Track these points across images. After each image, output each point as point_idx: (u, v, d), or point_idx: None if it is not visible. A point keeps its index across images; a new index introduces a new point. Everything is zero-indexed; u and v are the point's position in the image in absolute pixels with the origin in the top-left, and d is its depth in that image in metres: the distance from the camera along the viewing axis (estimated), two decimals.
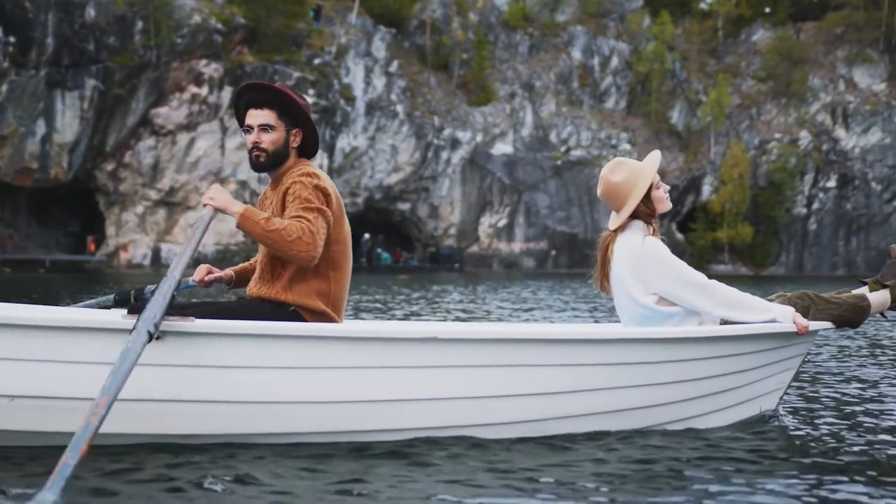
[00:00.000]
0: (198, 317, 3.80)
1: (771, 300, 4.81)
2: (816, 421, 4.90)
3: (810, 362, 7.24)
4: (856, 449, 4.20)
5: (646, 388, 4.39)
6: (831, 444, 4.31)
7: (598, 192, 4.74)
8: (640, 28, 60.36)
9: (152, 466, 3.55)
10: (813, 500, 3.36)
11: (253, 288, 4.30)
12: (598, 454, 3.98)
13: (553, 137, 55.35)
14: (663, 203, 4.65)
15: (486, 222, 52.95)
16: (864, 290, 4.98)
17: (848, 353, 8.22)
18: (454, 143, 50.39)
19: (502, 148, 53.44)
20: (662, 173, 55.38)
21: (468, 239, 52.22)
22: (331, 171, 44.73)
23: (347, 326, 4.20)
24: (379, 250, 49.50)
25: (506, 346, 4.13)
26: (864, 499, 3.38)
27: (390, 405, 3.97)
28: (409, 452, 3.85)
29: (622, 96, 58.34)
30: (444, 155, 50.17)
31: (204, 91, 41.26)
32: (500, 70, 55.77)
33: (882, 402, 5.61)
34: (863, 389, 6.11)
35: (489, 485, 3.41)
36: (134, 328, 3.47)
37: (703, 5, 67.85)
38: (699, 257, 56.22)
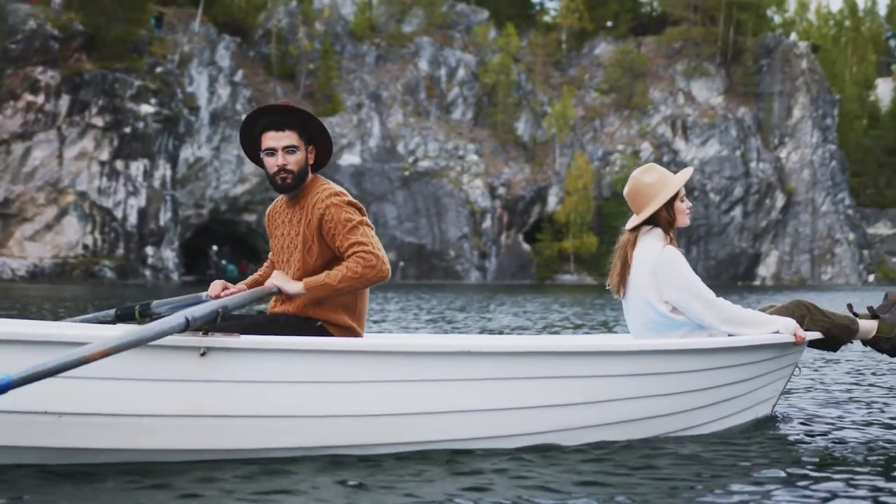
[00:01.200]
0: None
1: (763, 311, 5.16)
2: (809, 425, 5.30)
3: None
4: (849, 449, 4.61)
5: (657, 398, 4.67)
6: (825, 446, 4.69)
7: (626, 190, 5.08)
8: (485, 40, 62.88)
9: (195, 481, 3.69)
10: (813, 499, 3.62)
11: (277, 305, 4.49)
12: (615, 462, 4.23)
13: (401, 148, 57.19)
14: (683, 216, 4.96)
15: None
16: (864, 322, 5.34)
17: (830, 357, 8.74)
18: None
19: (350, 159, 54.92)
20: (509, 184, 58.01)
21: None
22: (174, 182, 45.31)
23: (393, 341, 4.55)
24: (224, 262, 50.12)
25: (534, 358, 4.38)
26: (862, 494, 3.69)
27: (428, 417, 4.20)
28: (446, 462, 4.11)
29: (469, 107, 60.72)
30: None
31: (40, 99, 41.39)
32: (347, 80, 57.29)
33: (868, 405, 6.11)
34: (849, 392, 6.64)
35: (505, 494, 3.63)
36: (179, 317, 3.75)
37: (547, 18, 71.73)
38: (545, 267, 59.14)
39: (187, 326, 3.71)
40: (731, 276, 64.20)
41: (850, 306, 5.48)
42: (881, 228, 75.71)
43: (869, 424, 5.30)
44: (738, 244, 64.88)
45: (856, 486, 3.80)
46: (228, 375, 3.88)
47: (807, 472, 4.05)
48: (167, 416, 3.81)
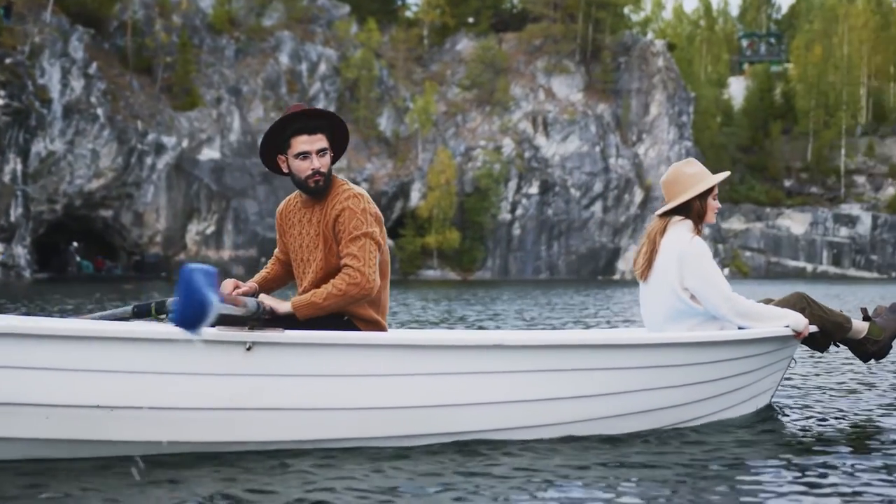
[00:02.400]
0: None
1: (766, 304, 5.49)
2: (804, 414, 5.67)
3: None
4: (845, 436, 4.96)
5: (669, 389, 4.95)
6: (823, 433, 5.04)
7: (664, 178, 5.46)
8: (347, 35, 63.61)
9: (238, 471, 3.95)
10: (814, 485, 3.85)
11: None
12: (623, 453, 4.48)
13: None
14: (712, 213, 5.37)
15: (194, 229, 54.27)
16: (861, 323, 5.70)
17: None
18: (159, 149, 51.65)
19: (209, 153, 55.06)
20: (371, 179, 59.28)
21: (175, 247, 53.38)
22: (25, 177, 45.25)
23: (429, 336, 4.78)
24: (78, 259, 49.98)
25: (560, 351, 4.63)
26: (860, 480, 3.93)
27: (463, 409, 4.48)
28: (475, 453, 4.37)
29: (331, 102, 61.40)
30: (149, 160, 51.24)
31: None
32: (206, 74, 57.48)
33: (858, 392, 6.56)
34: (841, 382, 7.04)
35: (520, 485, 3.86)
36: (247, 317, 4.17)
37: (409, 14, 72.91)
38: (409, 263, 60.35)
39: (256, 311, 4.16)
40: (591, 271, 66.31)
41: (864, 310, 5.83)
42: (735, 223, 79.31)
43: (859, 412, 5.70)
44: (599, 239, 67.06)
45: (852, 473, 4.07)
46: (274, 369, 4.14)
47: (806, 459, 4.33)
48: (215, 409, 4.08)
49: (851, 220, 79.33)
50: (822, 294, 30.86)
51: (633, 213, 68.31)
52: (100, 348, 3.88)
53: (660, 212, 5.42)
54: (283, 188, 56.34)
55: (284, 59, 60.73)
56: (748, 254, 78.33)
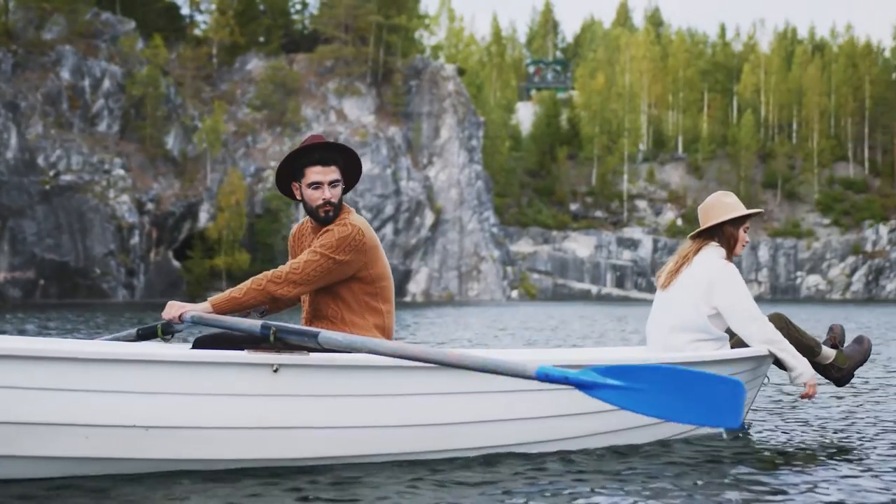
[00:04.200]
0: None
1: None
2: (778, 429, 6.21)
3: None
4: (814, 448, 5.44)
5: None
6: (793, 446, 5.54)
7: (703, 204, 6.02)
8: (132, 51, 63.02)
9: (259, 486, 4.25)
10: (786, 494, 4.20)
11: (309, 325, 4.95)
12: (611, 468, 4.83)
13: (41, 161, 56.50)
14: (741, 244, 5.97)
15: None
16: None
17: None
18: None
19: None
20: (158, 199, 59.29)
21: None
22: None
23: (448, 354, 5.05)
24: None
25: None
26: (829, 486, 4.34)
27: (480, 426, 4.81)
28: (489, 467, 4.70)
29: (115, 120, 60.81)
30: None
31: None
32: None
33: (824, 406, 7.16)
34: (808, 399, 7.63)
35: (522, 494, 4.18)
36: (319, 341, 4.39)
37: (197, 32, 72.41)
38: (196, 285, 60.31)
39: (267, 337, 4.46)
40: None
41: (832, 338, 6.32)
42: (523, 246, 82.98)
43: (826, 426, 6.32)
44: (390, 261, 67.92)
45: (822, 481, 4.48)
46: (300, 390, 4.45)
47: (779, 471, 4.78)
48: (244, 428, 4.39)
49: (633, 244, 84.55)
50: (606, 315, 33.74)
51: (423, 236, 70.30)
52: (137, 371, 4.19)
53: (694, 234, 6.03)
54: (62, 208, 55.54)
55: (66, 74, 59.74)
56: (536, 276, 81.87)
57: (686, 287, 5.85)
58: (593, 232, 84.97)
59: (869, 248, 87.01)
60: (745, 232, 6.00)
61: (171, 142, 63.43)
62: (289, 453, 4.52)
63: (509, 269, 75.64)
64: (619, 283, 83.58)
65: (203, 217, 62.30)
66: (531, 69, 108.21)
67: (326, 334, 4.38)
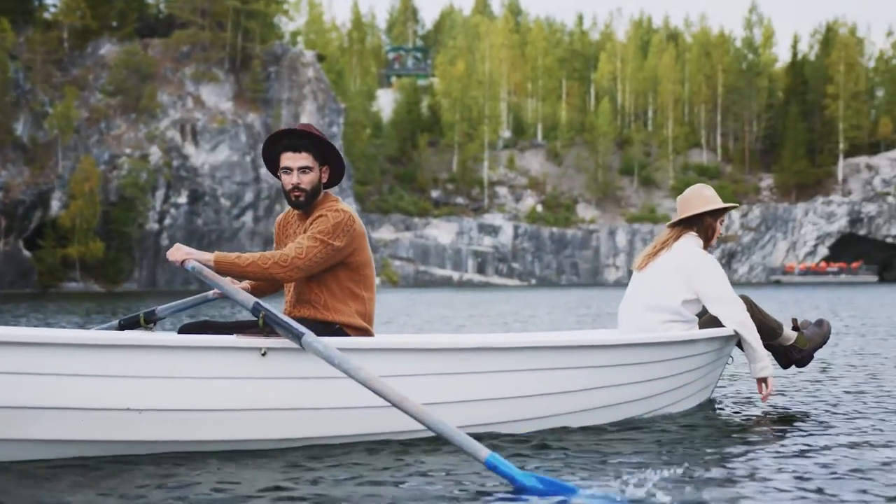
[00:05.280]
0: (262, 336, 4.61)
1: None
2: (740, 405, 6.50)
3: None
4: (776, 423, 5.71)
5: (634, 385, 5.69)
6: (757, 422, 5.79)
7: (682, 195, 6.36)
8: None
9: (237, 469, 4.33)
10: (753, 467, 4.41)
11: (292, 311, 5.12)
12: (592, 444, 5.01)
13: None
14: (717, 234, 6.34)
15: None
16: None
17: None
18: None
19: None
20: (7, 187, 58.32)
21: None
22: None
23: (425, 339, 5.26)
24: None
25: (542, 352, 5.27)
26: (791, 459, 4.57)
27: (453, 406, 4.98)
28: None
29: None
30: None
31: None
32: None
33: (785, 384, 7.45)
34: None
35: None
36: (302, 344, 4.45)
37: (47, 15, 70.96)
38: (49, 275, 59.60)
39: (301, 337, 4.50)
40: None
41: (794, 320, 6.71)
42: (385, 233, 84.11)
43: (787, 403, 6.58)
44: (250, 249, 67.25)
45: (784, 455, 4.67)
46: (287, 373, 4.60)
47: (745, 446, 4.97)
48: (233, 410, 4.56)
49: (494, 230, 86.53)
50: (471, 301, 34.44)
51: None
52: (131, 356, 4.35)
53: (672, 223, 6.36)
54: None
55: None
56: (398, 263, 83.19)
57: (663, 271, 6.15)
58: (454, 218, 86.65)
59: (722, 232, 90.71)
60: (720, 224, 6.36)
61: (21, 128, 62.34)
62: (278, 434, 4.70)
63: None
64: (481, 269, 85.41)
65: (55, 205, 61.51)
66: (391, 56, 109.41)
67: (309, 339, 4.45)
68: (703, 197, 6.29)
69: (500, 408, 5.16)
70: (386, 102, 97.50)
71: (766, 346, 6.35)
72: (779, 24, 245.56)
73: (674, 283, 6.09)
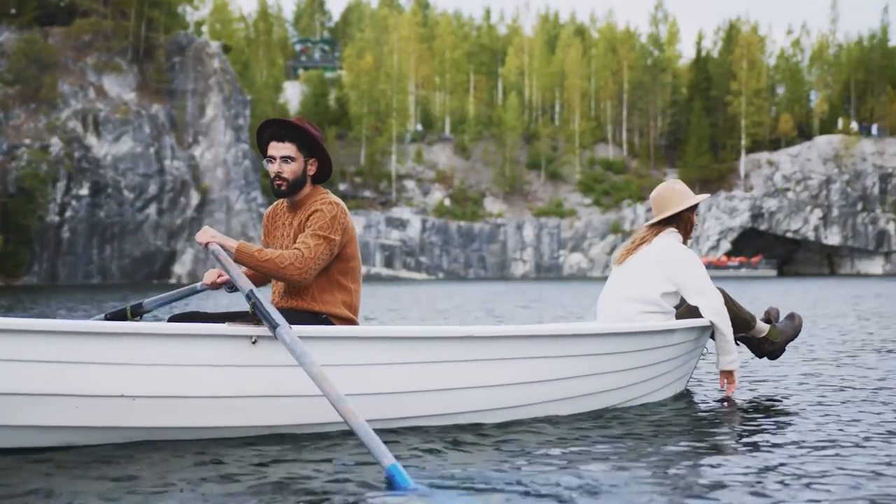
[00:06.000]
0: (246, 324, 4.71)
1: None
2: (714, 396, 6.62)
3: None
4: (749, 413, 5.82)
5: (610, 374, 5.85)
6: (730, 412, 5.91)
7: (657, 193, 6.54)
8: None
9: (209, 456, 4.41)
10: (726, 456, 4.55)
11: (281, 301, 5.24)
12: (568, 433, 5.13)
13: None
14: (694, 227, 6.55)
15: None
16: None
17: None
18: None
19: None
20: None
21: None
22: None
23: (406, 329, 5.18)
24: None
25: (533, 341, 5.41)
26: (763, 447, 4.71)
27: (432, 394, 5.13)
28: (445, 435, 4.93)
29: None
30: None
31: None
32: None
33: (756, 375, 7.59)
34: (741, 366, 7.99)
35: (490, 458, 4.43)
36: (275, 334, 4.54)
37: None
38: None
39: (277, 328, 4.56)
40: (146, 275, 67.42)
41: (767, 313, 6.96)
42: None
43: (759, 393, 6.70)
44: (154, 242, 67.99)
45: (758, 444, 4.80)
46: (277, 360, 4.69)
47: (719, 436, 5.11)
48: (224, 396, 4.67)
49: (402, 224, 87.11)
50: (382, 294, 34.59)
51: (189, 216, 70.28)
52: (125, 343, 4.45)
53: (652, 221, 6.57)
54: None
55: None
56: None
57: (644, 263, 6.38)
58: (362, 212, 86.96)
59: (627, 226, 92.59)
60: (696, 216, 6.61)
61: None
62: (268, 420, 4.82)
63: None
64: (388, 263, 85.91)
65: None
66: (298, 48, 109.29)
67: (281, 331, 4.53)
68: (679, 193, 6.50)
69: (481, 396, 5.29)
70: (293, 95, 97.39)
71: (740, 338, 6.67)
72: (683, 21, 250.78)
73: (654, 276, 6.30)
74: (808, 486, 3.93)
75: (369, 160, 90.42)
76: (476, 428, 5.16)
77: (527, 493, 3.77)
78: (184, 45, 74.26)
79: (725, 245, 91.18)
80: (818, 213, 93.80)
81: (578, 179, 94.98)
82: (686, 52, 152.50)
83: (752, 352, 6.86)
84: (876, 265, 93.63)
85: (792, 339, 6.86)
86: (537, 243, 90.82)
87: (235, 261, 4.89)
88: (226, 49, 77.65)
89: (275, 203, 5.50)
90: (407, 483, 3.85)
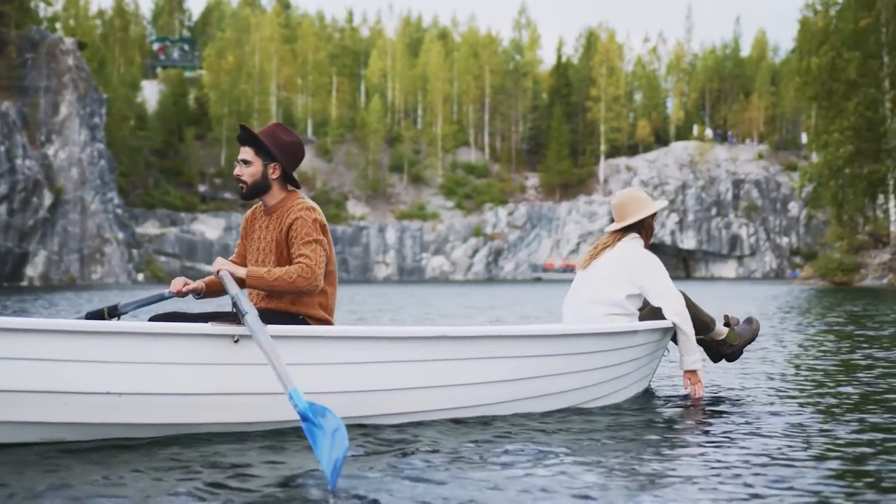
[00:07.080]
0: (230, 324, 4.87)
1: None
2: (675, 394, 6.83)
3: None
4: (710, 410, 6.04)
5: (576, 374, 6.04)
6: (692, 411, 6.07)
7: (618, 200, 6.83)
8: None
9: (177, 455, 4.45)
10: (689, 451, 4.71)
11: (260, 302, 5.44)
12: (539, 428, 5.31)
13: None
14: (654, 232, 6.90)
15: None
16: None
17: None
18: None
19: None
20: None
21: None
22: None
23: (381, 329, 5.30)
24: None
25: (500, 341, 5.60)
26: (725, 443, 4.86)
27: (405, 392, 5.33)
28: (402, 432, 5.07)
29: None
30: None
31: None
32: None
33: (717, 374, 7.81)
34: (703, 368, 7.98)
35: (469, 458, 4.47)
36: (244, 319, 4.71)
37: None
38: None
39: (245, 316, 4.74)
40: None
41: (726, 317, 7.24)
42: (150, 228, 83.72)
43: (720, 392, 6.89)
44: (4, 243, 66.24)
45: (719, 440, 4.97)
46: (258, 359, 4.81)
47: (681, 433, 5.26)
48: (207, 394, 4.81)
49: None
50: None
51: (41, 217, 68.91)
52: (111, 342, 4.57)
53: (614, 227, 6.83)
54: None
55: None
56: (163, 259, 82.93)
57: (608, 267, 6.65)
58: (223, 214, 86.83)
59: (489, 230, 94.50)
60: (655, 220, 6.94)
61: None
62: (250, 417, 4.96)
63: (135, 251, 75.80)
64: None
65: None
66: (156, 46, 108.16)
67: (250, 319, 4.71)
68: (640, 201, 6.79)
69: (449, 394, 5.48)
70: (151, 94, 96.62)
71: (699, 341, 6.89)
72: (545, 28, 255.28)
73: (619, 279, 6.55)
74: (768, 483, 3.98)
75: (230, 161, 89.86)
76: (439, 425, 5.34)
77: (480, 492, 3.83)
78: (36, 40, 72.78)
79: (585, 248, 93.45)
80: (674, 217, 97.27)
81: (441, 183, 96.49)
82: (547, 58, 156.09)
83: (709, 354, 7.15)
84: (729, 268, 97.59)
85: (750, 343, 7.20)
86: (400, 246, 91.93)
87: (248, 284, 5.20)
88: (81, 46, 76.49)
89: (253, 206, 5.71)
90: (304, 406, 4.11)
